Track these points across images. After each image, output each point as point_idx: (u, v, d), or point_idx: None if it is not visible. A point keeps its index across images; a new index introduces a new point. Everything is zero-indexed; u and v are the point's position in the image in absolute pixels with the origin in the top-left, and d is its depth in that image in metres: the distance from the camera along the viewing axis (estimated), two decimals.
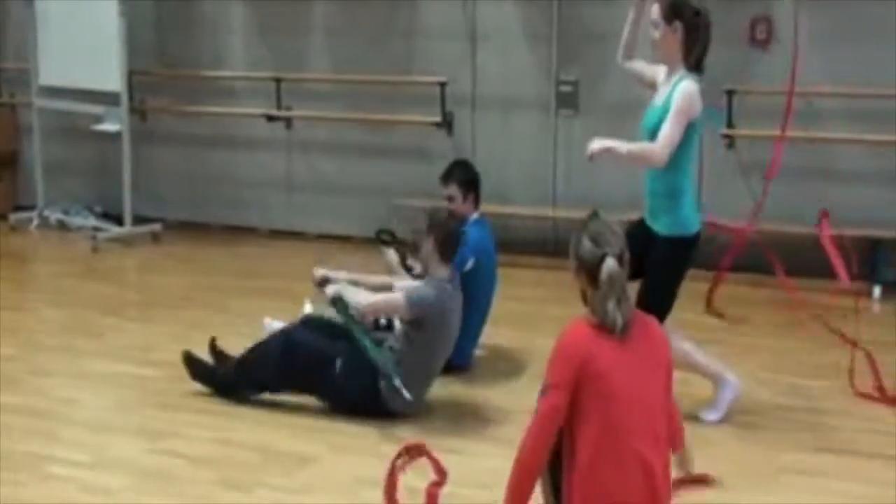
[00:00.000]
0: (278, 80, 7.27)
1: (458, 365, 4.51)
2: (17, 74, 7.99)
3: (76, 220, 7.68)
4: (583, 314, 2.75)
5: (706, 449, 3.86)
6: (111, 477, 3.65)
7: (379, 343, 4.12)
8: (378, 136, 7.26)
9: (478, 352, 4.80)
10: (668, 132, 3.77)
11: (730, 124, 6.23)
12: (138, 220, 7.37)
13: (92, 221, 7.61)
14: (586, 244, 2.73)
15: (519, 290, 5.80)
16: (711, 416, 4.08)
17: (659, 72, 4.04)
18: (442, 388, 4.37)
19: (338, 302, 4.08)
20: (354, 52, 7.18)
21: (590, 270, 2.71)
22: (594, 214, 2.84)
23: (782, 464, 3.76)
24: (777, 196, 6.37)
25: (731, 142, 6.25)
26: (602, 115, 6.67)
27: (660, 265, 3.94)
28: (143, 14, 7.58)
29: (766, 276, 6.17)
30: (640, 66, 4.17)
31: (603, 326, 2.67)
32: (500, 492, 2.74)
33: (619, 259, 2.72)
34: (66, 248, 7.26)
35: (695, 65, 3.89)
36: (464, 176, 4.75)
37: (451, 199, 4.70)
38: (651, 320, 2.83)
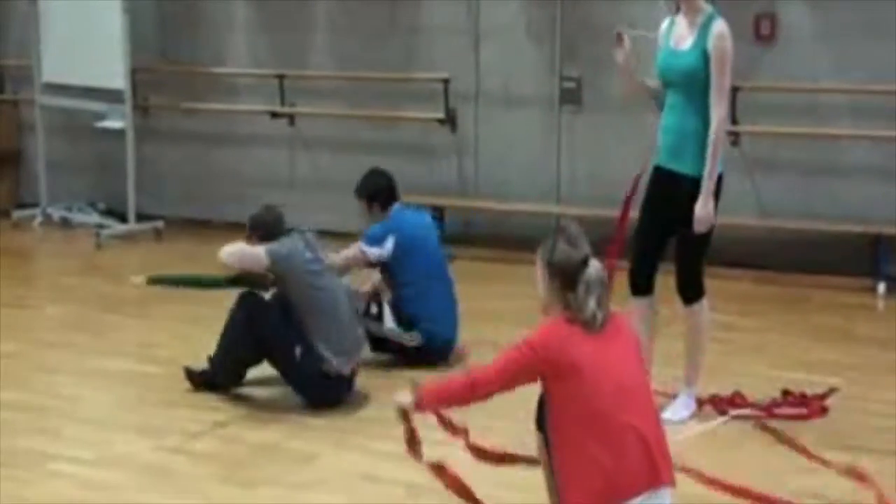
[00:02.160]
0: (281, 77, 7.27)
1: (432, 348, 4.67)
2: (20, 71, 8.00)
3: (79, 217, 7.69)
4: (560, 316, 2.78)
5: (715, 447, 3.87)
6: (113, 474, 3.65)
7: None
8: (381, 132, 7.25)
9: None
10: (718, 84, 3.75)
11: (734, 120, 6.21)
12: (141, 217, 7.37)
13: (95, 218, 7.61)
14: (563, 248, 2.79)
15: (522, 287, 5.77)
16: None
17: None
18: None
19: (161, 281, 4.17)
20: (358, 49, 7.18)
21: (567, 273, 2.76)
22: (561, 224, 2.92)
23: (790, 461, 3.74)
24: (782, 191, 6.38)
25: (735, 138, 6.23)
26: (605, 112, 6.66)
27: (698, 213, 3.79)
28: (146, 11, 7.57)
29: (771, 272, 6.18)
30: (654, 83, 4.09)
31: (581, 323, 2.73)
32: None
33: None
34: (70, 245, 7.26)
35: None
36: (363, 189, 4.87)
37: (362, 213, 4.88)
38: (619, 313, 2.87)
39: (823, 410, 4.13)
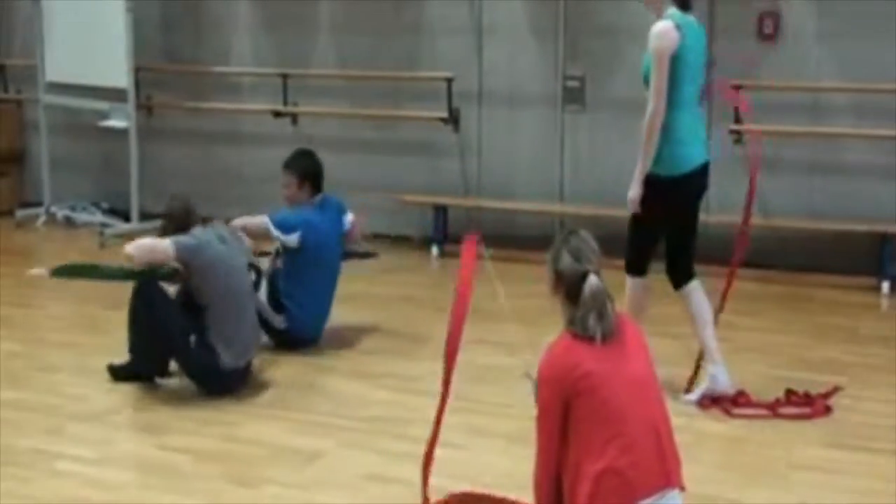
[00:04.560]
0: (285, 77, 7.26)
1: (304, 338, 4.80)
2: (24, 71, 8.00)
3: (83, 217, 7.69)
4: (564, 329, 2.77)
5: (719, 445, 3.87)
6: (117, 472, 3.66)
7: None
8: (384, 131, 7.25)
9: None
10: (654, 81, 4.01)
11: (737, 119, 6.20)
12: (145, 216, 7.37)
13: (99, 218, 7.62)
14: (567, 259, 2.77)
15: (525, 286, 5.77)
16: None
17: None
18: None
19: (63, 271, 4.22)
20: (360, 48, 7.17)
21: (569, 286, 2.75)
22: (572, 231, 2.88)
23: (795, 460, 3.74)
24: (786, 191, 6.37)
25: (738, 137, 6.22)
26: (608, 111, 6.65)
27: (654, 206, 4.11)
28: (149, 10, 7.58)
29: (774, 271, 6.17)
30: None
31: (585, 336, 2.71)
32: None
33: (598, 275, 2.76)
34: (73, 244, 7.26)
35: (680, 2, 4.10)
36: (301, 166, 4.97)
37: (287, 185, 4.94)
38: (624, 315, 2.86)
39: (828, 410, 4.13)
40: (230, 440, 3.93)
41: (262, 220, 4.84)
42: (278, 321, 4.80)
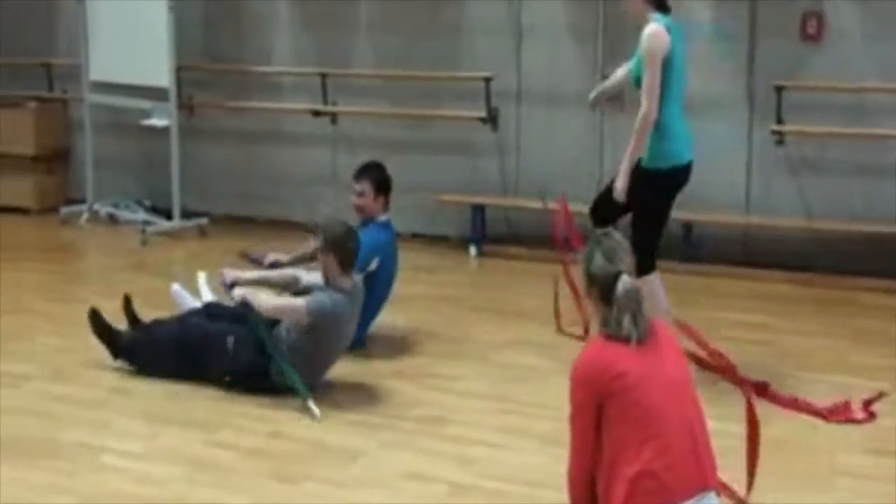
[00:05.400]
0: (324, 76, 7.32)
1: (352, 345, 4.72)
2: (69, 70, 8.12)
3: (125, 214, 7.79)
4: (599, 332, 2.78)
5: (765, 447, 3.83)
6: (162, 467, 3.71)
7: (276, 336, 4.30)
8: (423, 131, 7.28)
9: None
10: (647, 81, 4.21)
11: (779, 120, 6.16)
12: (186, 214, 7.46)
13: (141, 215, 7.71)
14: (599, 261, 2.78)
15: (562, 287, 5.78)
16: None
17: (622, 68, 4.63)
18: (489, 385, 4.36)
19: (244, 307, 4.27)
20: (400, 48, 7.20)
21: (602, 287, 2.75)
22: (605, 232, 2.89)
23: (838, 466, 3.72)
24: (828, 192, 6.31)
25: (780, 138, 6.18)
26: None
27: (639, 198, 4.33)
28: (191, 10, 7.66)
29: (814, 274, 6.11)
30: (610, 85, 4.76)
31: (619, 339, 2.71)
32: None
33: (631, 276, 2.77)
34: (116, 241, 7.36)
35: (658, 4, 4.30)
36: (379, 176, 4.95)
37: (361, 194, 4.91)
38: (657, 320, 2.86)
39: (871, 416, 4.09)
40: (274, 437, 3.97)
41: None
42: None
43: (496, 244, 6.86)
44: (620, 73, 4.68)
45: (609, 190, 4.49)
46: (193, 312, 4.64)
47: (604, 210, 4.57)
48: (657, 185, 4.35)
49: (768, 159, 6.35)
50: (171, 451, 3.87)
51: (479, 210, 6.92)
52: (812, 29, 6.21)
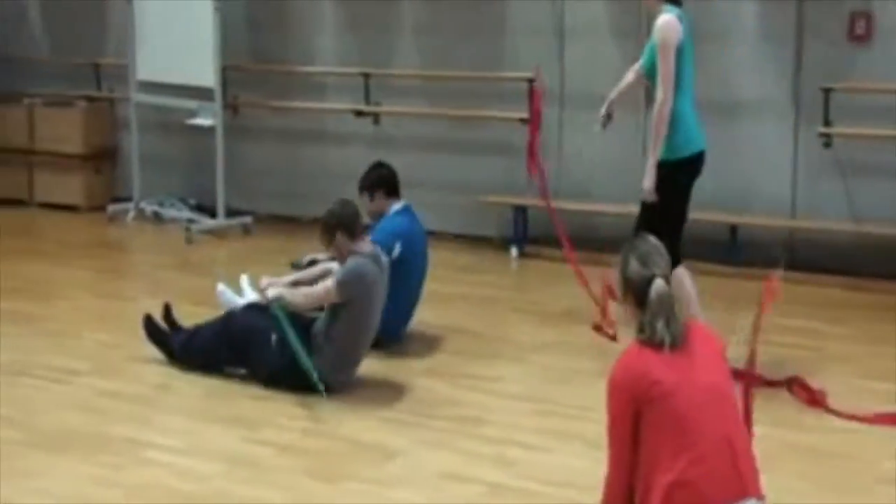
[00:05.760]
0: (367, 76, 7.36)
1: (388, 340, 4.81)
2: (116, 70, 8.25)
3: (170, 212, 7.90)
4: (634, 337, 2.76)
5: (802, 456, 3.80)
6: (203, 463, 3.76)
7: (308, 336, 4.36)
8: (465, 131, 7.29)
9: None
10: (662, 71, 4.30)
11: (827, 122, 6.07)
12: (230, 212, 7.54)
13: (186, 213, 7.81)
14: (634, 265, 2.76)
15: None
16: None
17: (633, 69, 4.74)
18: (525, 386, 4.35)
19: (276, 302, 4.35)
20: (442, 48, 7.22)
21: (637, 292, 2.73)
22: (640, 236, 2.87)
23: (881, 474, 3.66)
24: (876, 196, 6.20)
25: (827, 140, 6.09)
26: None
27: (661, 193, 4.36)
28: (236, 11, 7.74)
29: (861, 279, 6.02)
30: (625, 86, 4.85)
31: (655, 345, 2.68)
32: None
33: (666, 280, 2.74)
34: (161, 239, 7.47)
35: None
36: (369, 180, 5.09)
37: (363, 206, 4.97)
38: (696, 323, 2.82)
39: None
40: (313, 435, 4.01)
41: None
42: None
43: (537, 245, 6.85)
44: (629, 76, 4.78)
45: (644, 208, 4.47)
46: (237, 311, 4.70)
47: (647, 227, 4.47)
48: (678, 176, 4.39)
49: (815, 162, 6.26)
50: (212, 447, 3.92)
51: (520, 211, 6.91)
52: (861, 29, 6.11)
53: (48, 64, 8.70)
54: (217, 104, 7.38)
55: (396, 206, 5.08)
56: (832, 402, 4.17)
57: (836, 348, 4.99)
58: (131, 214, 7.95)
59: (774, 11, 6.28)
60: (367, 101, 7.41)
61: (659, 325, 2.67)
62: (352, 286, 4.27)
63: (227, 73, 7.57)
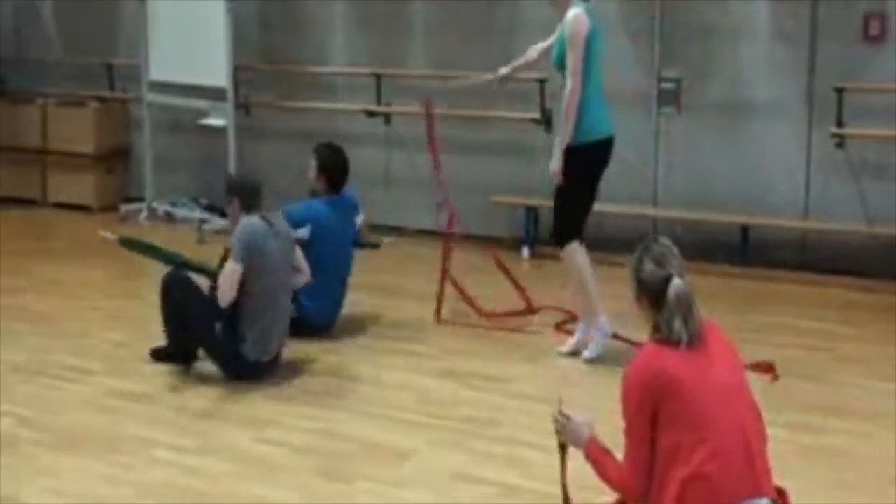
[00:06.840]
0: (378, 76, 7.35)
1: (316, 324, 4.95)
2: (128, 70, 8.27)
3: (182, 212, 7.92)
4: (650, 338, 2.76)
5: (819, 457, 3.78)
6: (215, 463, 3.76)
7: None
8: (476, 132, 7.28)
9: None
10: (572, 63, 4.57)
11: (840, 123, 6.04)
12: None
13: (197, 213, 7.83)
14: (649, 267, 2.76)
15: (617, 289, 5.73)
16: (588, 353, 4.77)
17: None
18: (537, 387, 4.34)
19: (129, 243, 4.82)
20: (453, 49, 7.21)
21: (653, 292, 2.73)
22: (653, 239, 2.86)
23: (893, 475, 3.64)
24: (890, 197, 6.16)
25: (840, 141, 6.06)
26: (704, 114, 6.55)
27: (568, 176, 4.64)
28: (249, 12, 7.75)
29: (873, 280, 5.98)
30: (531, 57, 5.06)
31: (671, 343, 2.69)
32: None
33: (682, 278, 2.74)
34: (173, 238, 7.45)
35: None
36: (324, 156, 5.41)
37: (309, 168, 5.34)
38: (710, 320, 2.82)
39: None
40: (325, 436, 4.01)
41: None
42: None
43: (549, 246, 6.82)
44: (531, 53, 5.03)
45: (556, 191, 4.71)
46: (173, 280, 4.68)
47: (565, 221, 4.77)
48: (585, 159, 4.66)
49: (828, 162, 6.23)
50: (224, 447, 3.92)
51: (531, 211, 6.90)
52: (875, 30, 6.08)
53: (61, 64, 8.73)
54: (229, 104, 7.39)
55: (335, 196, 5.22)
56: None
57: (848, 349, 4.97)
58: (143, 214, 7.97)
59: (788, 12, 6.26)
60: (379, 101, 7.41)
61: (676, 324, 2.68)
62: (243, 243, 4.40)
63: (239, 73, 7.59)
